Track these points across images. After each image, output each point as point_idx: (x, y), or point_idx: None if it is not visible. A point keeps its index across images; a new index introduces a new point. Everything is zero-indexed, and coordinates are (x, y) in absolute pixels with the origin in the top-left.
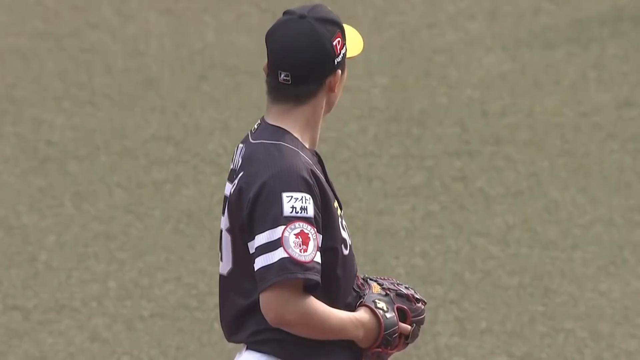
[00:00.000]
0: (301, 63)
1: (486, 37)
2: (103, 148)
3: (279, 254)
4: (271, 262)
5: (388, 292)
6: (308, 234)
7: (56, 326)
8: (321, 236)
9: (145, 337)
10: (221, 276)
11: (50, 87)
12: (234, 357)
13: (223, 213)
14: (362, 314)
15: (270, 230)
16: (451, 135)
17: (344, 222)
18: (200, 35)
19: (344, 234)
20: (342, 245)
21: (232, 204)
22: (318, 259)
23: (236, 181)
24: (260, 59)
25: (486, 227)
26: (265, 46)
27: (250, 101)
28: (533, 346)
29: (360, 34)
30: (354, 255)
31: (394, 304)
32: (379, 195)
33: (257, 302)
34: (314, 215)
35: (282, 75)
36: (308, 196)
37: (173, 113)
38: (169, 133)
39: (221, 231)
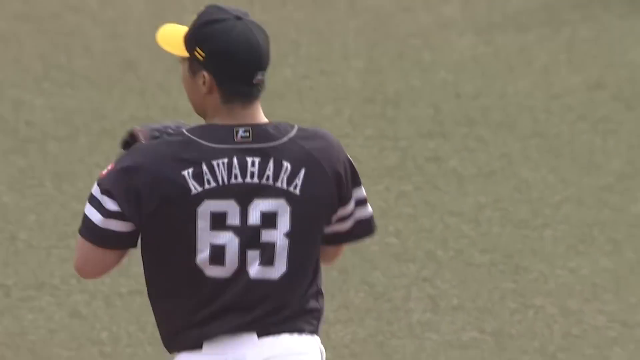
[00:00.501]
0: (268, 57)
1: (459, 20)
2: (82, 129)
3: (370, 209)
4: (371, 212)
5: None
6: None
7: (36, 303)
8: None
9: (124, 313)
10: (261, 281)
11: (31, 68)
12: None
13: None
14: None
15: (362, 186)
16: (425, 117)
17: None
18: (178, 18)
19: None
20: None
21: (306, 197)
22: None
23: (299, 179)
24: None
25: (459, 207)
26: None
27: None
28: (504, 322)
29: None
30: None
31: None
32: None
33: (310, 296)
34: None
35: (259, 75)
36: None
37: (151, 95)
38: (147, 114)
39: (242, 242)
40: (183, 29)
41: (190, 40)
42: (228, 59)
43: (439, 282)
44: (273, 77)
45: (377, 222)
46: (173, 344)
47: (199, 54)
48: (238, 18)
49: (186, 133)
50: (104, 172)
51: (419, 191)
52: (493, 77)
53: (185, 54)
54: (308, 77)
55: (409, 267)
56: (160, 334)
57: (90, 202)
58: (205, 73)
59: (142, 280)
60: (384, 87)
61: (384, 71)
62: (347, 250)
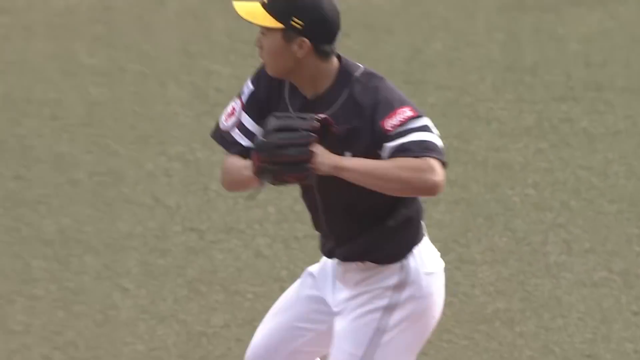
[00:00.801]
0: None
1: None
2: None
3: None
4: None
5: None
6: (235, 109)
7: (226, 245)
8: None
9: (300, 254)
10: None
11: (219, 42)
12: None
13: None
14: None
15: None
16: (558, 83)
17: None
18: None
19: None
20: None
21: None
22: (231, 130)
23: None
24: (394, 18)
25: (589, 162)
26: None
27: (386, 54)
28: (630, 263)
29: None
30: None
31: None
32: (496, 134)
33: None
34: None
35: (339, 34)
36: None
37: None
38: None
39: None
40: (257, 5)
41: (284, 13)
42: (325, 25)
43: (572, 228)
44: (426, 49)
45: (517, 175)
46: (412, 241)
47: (297, 23)
48: None
49: (381, 75)
50: (412, 112)
51: (554, 148)
52: (618, 48)
53: (278, 25)
54: (456, 48)
55: (545, 214)
56: (396, 245)
57: (435, 133)
58: (303, 39)
59: (310, 224)
60: (522, 57)
61: (522, 43)
62: (492, 200)
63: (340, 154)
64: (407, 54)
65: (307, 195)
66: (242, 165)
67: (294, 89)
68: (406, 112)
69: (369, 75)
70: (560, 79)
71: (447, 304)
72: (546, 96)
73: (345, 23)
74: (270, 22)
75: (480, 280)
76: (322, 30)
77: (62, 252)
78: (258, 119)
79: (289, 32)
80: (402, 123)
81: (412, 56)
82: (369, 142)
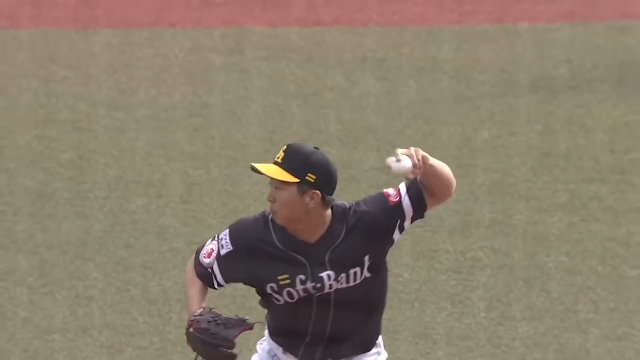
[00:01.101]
0: None
1: (614, 95)
2: None
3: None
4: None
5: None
6: (212, 252)
7: None
8: (217, 267)
9: None
10: None
11: (298, 132)
12: None
13: None
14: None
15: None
16: (588, 167)
17: (291, 290)
18: (405, 94)
19: (282, 296)
20: (275, 298)
21: None
22: (209, 266)
23: None
24: (448, 111)
25: (614, 234)
26: None
27: (440, 141)
28: None
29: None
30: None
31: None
32: (534, 210)
33: None
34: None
35: None
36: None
37: (385, 151)
38: (382, 165)
39: None
40: (273, 165)
41: (299, 169)
42: (333, 178)
43: (599, 290)
44: (475, 137)
45: (552, 245)
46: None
47: (310, 178)
48: (317, 148)
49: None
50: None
51: (584, 222)
52: (639, 137)
53: (295, 179)
54: (500, 137)
55: (576, 278)
56: (381, 325)
57: None
58: (315, 191)
59: None
60: (557, 144)
61: (557, 133)
62: (530, 265)
63: (362, 258)
64: (459, 141)
65: (309, 309)
66: (194, 294)
67: (288, 238)
68: (388, 189)
69: (351, 205)
70: (590, 163)
71: (491, 354)
72: (577, 178)
73: (406, 115)
74: (288, 177)
75: (520, 334)
76: (329, 183)
77: (164, 309)
78: (228, 273)
79: (303, 186)
80: (394, 190)
81: (463, 143)
82: (391, 223)
